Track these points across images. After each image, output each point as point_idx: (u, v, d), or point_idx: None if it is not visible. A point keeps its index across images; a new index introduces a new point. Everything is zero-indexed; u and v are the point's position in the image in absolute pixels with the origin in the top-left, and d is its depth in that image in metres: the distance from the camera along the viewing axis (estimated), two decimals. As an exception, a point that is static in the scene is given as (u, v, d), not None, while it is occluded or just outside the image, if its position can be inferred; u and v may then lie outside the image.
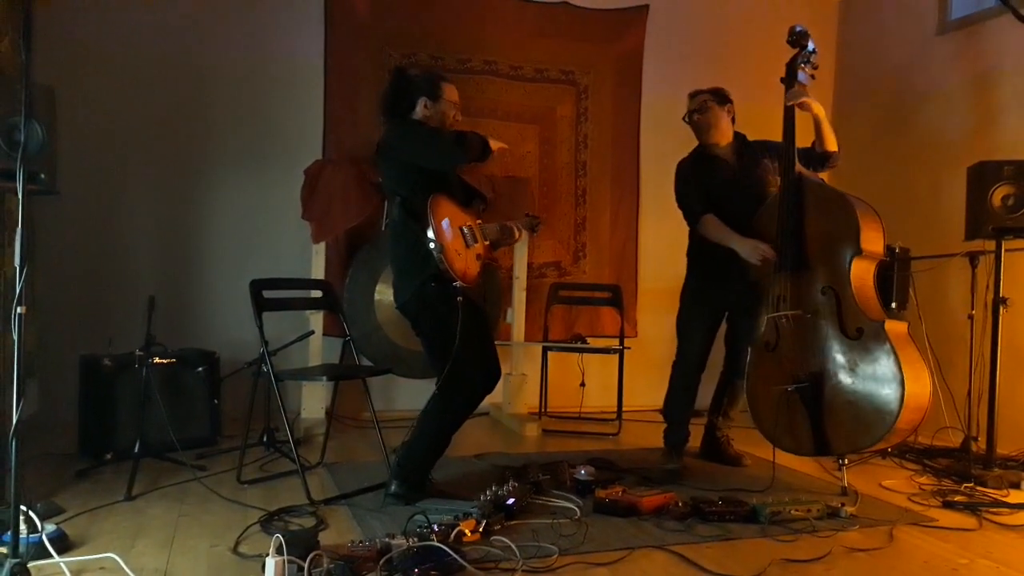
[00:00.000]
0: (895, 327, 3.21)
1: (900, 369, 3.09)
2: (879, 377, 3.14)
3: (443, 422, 3.03)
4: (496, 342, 4.84)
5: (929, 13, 5.12)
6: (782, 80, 3.54)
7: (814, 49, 3.51)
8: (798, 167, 3.46)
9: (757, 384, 3.48)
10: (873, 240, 3.31)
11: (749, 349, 3.53)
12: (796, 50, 3.51)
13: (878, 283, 3.41)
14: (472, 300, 3.05)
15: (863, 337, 3.21)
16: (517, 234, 3.35)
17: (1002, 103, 4.59)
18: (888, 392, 3.11)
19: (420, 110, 3.10)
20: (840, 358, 3.25)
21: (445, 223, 2.96)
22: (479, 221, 3.17)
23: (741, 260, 3.52)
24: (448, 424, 3.04)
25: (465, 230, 3.04)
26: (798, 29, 3.51)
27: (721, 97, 3.76)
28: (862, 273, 3.31)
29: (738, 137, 3.81)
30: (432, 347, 3.05)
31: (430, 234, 2.88)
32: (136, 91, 4.58)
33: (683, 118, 3.82)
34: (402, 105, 3.11)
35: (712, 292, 3.75)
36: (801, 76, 3.50)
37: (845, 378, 3.24)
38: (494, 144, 3.06)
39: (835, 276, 3.31)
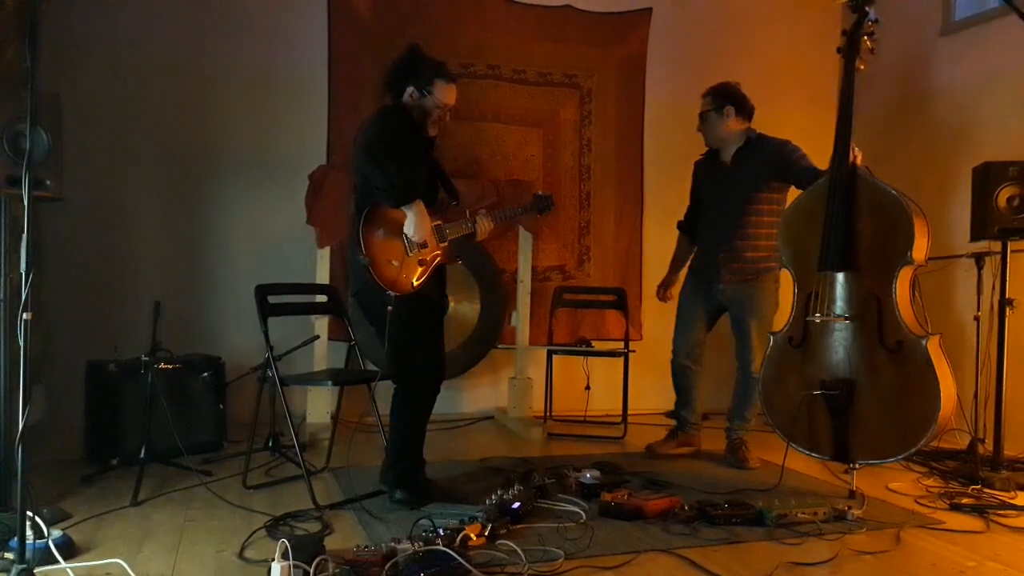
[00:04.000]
0: (933, 342, 3.08)
1: (939, 389, 3.02)
2: (916, 395, 3.06)
3: (408, 412, 3.07)
4: (501, 346, 4.94)
5: (933, 14, 5.11)
6: (839, 50, 3.31)
7: (877, 18, 3.25)
8: (854, 153, 3.27)
9: (774, 378, 3.43)
10: (922, 248, 3.16)
11: (770, 339, 3.47)
12: (856, 16, 3.26)
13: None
14: (426, 296, 3.04)
15: (902, 351, 3.10)
16: (478, 231, 3.16)
17: (1007, 103, 4.58)
18: (923, 411, 3.04)
19: (407, 96, 3.05)
20: (875, 369, 3.16)
21: (381, 232, 2.94)
22: (438, 222, 3.06)
23: (722, 260, 3.83)
24: (413, 413, 3.08)
25: (408, 237, 2.97)
26: None
27: (719, 103, 3.85)
28: (905, 282, 3.18)
29: (749, 138, 3.85)
30: (381, 336, 3.03)
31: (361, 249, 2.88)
32: (141, 97, 4.60)
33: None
34: (397, 84, 3.05)
35: (696, 288, 4.03)
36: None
37: (878, 390, 3.15)
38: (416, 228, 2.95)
39: (881, 283, 3.16)
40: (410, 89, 3.04)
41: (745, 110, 3.88)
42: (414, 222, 2.92)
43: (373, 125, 2.98)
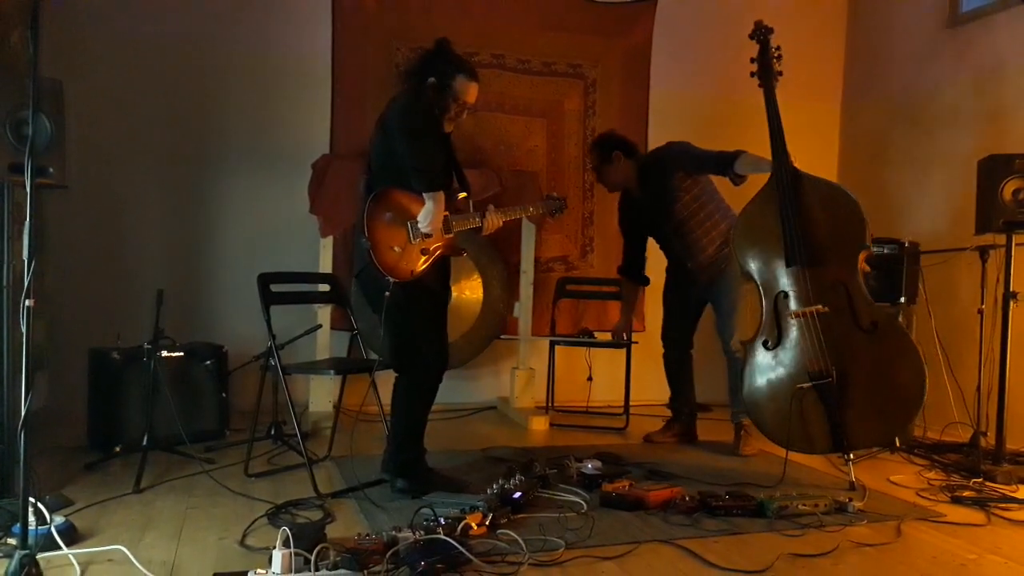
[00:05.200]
0: (898, 317, 3.30)
1: (920, 359, 3.18)
2: (902, 368, 3.21)
3: (409, 401, 3.09)
4: (504, 336, 4.94)
5: (939, 6, 5.08)
6: (754, 75, 3.58)
7: (779, 46, 3.59)
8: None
9: (759, 387, 3.39)
10: (870, 233, 3.35)
11: (744, 348, 3.47)
12: (760, 45, 3.59)
13: (884, 276, 3.47)
14: (426, 285, 3.03)
15: (877, 330, 3.24)
16: (485, 226, 3.15)
17: (1013, 96, 4.56)
18: (913, 380, 3.20)
19: (427, 88, 3.02)
20: (857, 352, 3.25)
21: (388, 216, 2.94)
22: (445, 213, 3.01)
23: (691, 269, 3.99)
24: (415, 402, 3.09)
25: (412, 224, 2.96)
26: (765, 24, 3.61)
27: (606, 153, 4.05)
28: (863, 266, 3.34)
29: (640, 166, 4.04)
30: (381, 319, 3.03)
31: (365, 233, 2.90)
32: (145, 85, 4.59)
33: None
34: (418, 76, 3.03)
35: (677, 283, 4.18)
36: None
37: (865, 372, 3.24)
38: (430, 219, 2.93)
39: (845, 270, 3.30)
40: (431, 80, 3.00)
41: (629, 149, 4.09)
42: (431, 211, 2.91)
43: (408, 103, 2.97)
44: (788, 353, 3.35)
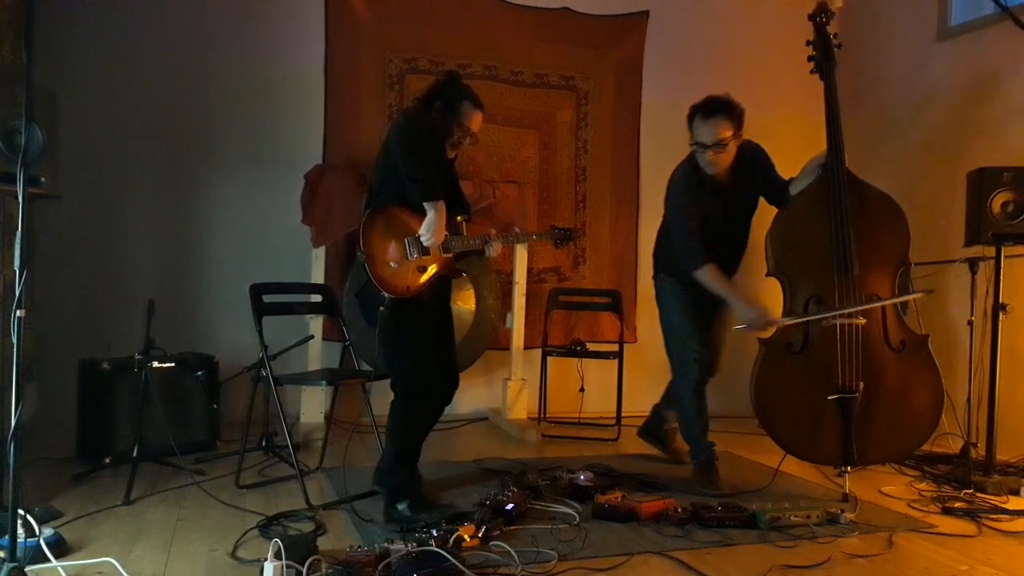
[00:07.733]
0: (928, 340, 3.28)
1: (942, 387, 3.21)
2: (922, 393, 3.23)
3: (405, 419, 3.03)
4: (495, 348, 4.93)
5: (929, 19, 5.13)
6: (811, 58, 3.43)
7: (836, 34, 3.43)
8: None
9: (773, 388, 3.29)
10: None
11: (763, 348, 3.33)
12: (819, 29, 3.40)
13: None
14: (423, 302, 3.02)
15: (905, 350, 3.24)
16: (491, 252, 3.16)
17: (1002, 109, 4.59)
18: (930, 407, 3.23)
19: (434, 111, 3.07)
20: (883, 369, 3.22)
21: (385, 232, 2.95)
22: (446, 233, 3.02)
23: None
24: (410, 422, 3.04)
25: (409, 241, 2.97)
26: (828, 8, 3.40)
27: (740, 123, 3.40)
28: (899, 282, 3.31)
29: (740, 151, 3.46)
30: (375, 335, 3.04)
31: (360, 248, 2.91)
32: (137, 95, 4.59)
33: (695, 143, 3.42)
34: (427, 100, 3.08)
35: (696, 300, 3.57)
36: None
37: (887, 390, 3.22)
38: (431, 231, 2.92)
39: (883, 284, 3.26)
40: (438, 104, 3.05)
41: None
42: (433, 221, 2.92)
43: (407, 121, 3.01)
44: (814, 360, 3.23)
